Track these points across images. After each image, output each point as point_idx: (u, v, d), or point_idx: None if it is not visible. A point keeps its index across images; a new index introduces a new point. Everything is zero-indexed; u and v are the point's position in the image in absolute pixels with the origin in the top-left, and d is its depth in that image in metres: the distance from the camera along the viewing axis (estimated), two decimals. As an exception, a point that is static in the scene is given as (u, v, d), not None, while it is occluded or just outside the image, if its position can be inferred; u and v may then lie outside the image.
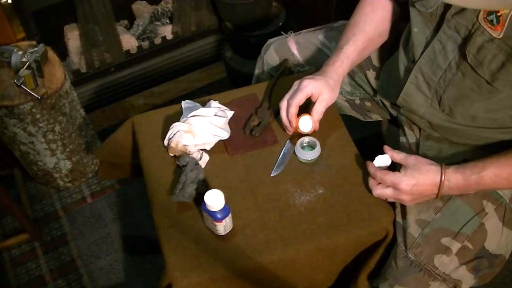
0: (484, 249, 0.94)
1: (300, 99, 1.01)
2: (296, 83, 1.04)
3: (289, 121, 1.04)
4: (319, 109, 1.04)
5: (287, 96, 1.04)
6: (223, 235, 0.94)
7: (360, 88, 1.26)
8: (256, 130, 1.09)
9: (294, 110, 1.02)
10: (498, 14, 0.81)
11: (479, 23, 0.84)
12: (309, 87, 1.01)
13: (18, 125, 1.46)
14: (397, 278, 0.97)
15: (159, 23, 2.05)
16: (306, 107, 1.05)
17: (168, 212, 0.98)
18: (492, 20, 0.82)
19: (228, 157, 1.07)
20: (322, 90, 1.02)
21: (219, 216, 0.89)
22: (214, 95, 1.17)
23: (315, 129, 1.05)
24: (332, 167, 1.04)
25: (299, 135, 1.07)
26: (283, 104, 1.04)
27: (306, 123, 1.04)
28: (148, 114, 1.15)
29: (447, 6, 0.90)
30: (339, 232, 0.95)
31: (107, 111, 2.00)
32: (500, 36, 0.82)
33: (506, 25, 0.81)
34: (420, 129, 1.11)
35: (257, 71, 1.39)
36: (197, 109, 1.07)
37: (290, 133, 1.08)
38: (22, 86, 1.37)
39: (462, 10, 0.87)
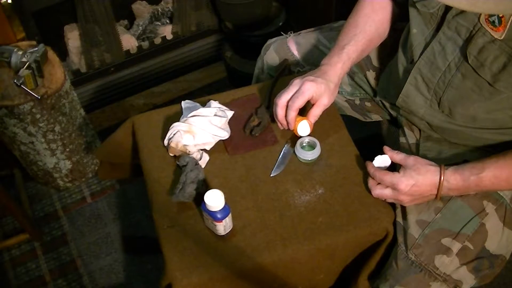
0: (485, 249, 0.94)
1: (301, 103, 1.01)
2: (296, 82, 1.02)
3: (287, 122, 1.04)
4: (316, 113, 1.03)
5: (286, 95, 1.02)
6: (223, 235, 0.94)
7: (360, 88, 1.26)
8: (256, 130, 1.09)
9: (294, 114, 1.01)
10: (500, 15, 0.81)
11: (481, 24, 0.84)
12: (311, 91, 1.00)
13: (18, 125, 1.46)
14: (398, 278, 0.97)
15: (159, 23, 2.05)
16: (302, 108, 1.05)
17: (168, 212, 0.98)
18: (494, 21, 0.82)
19: (228, 157, 1.06)
20: (322, 94, 1.01)
21: (219, 216, 0.89)
22: (214, 95, 1.17)
23: (310, 131, 1.05)
24: (332, 167, 1.04)
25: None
26: (280, 102, 1.02)
27: (305, 128, 1.04)
28: (148, 114, 1.15)
29: (448, 7, 0.90)
30: (339, 232, 0.95)
31: (107, 111, 2.00)
32: (502, 38, 0.82)
33: (508, 27, 0.81)
34: (420, 130, 1.11)
35: (257, 71, 1.39)
36: (197, 109, 1.07)
37: (286, 128, 1.07)
38: (22, 86, 1.37)
39: (464, 11, 0.87)
